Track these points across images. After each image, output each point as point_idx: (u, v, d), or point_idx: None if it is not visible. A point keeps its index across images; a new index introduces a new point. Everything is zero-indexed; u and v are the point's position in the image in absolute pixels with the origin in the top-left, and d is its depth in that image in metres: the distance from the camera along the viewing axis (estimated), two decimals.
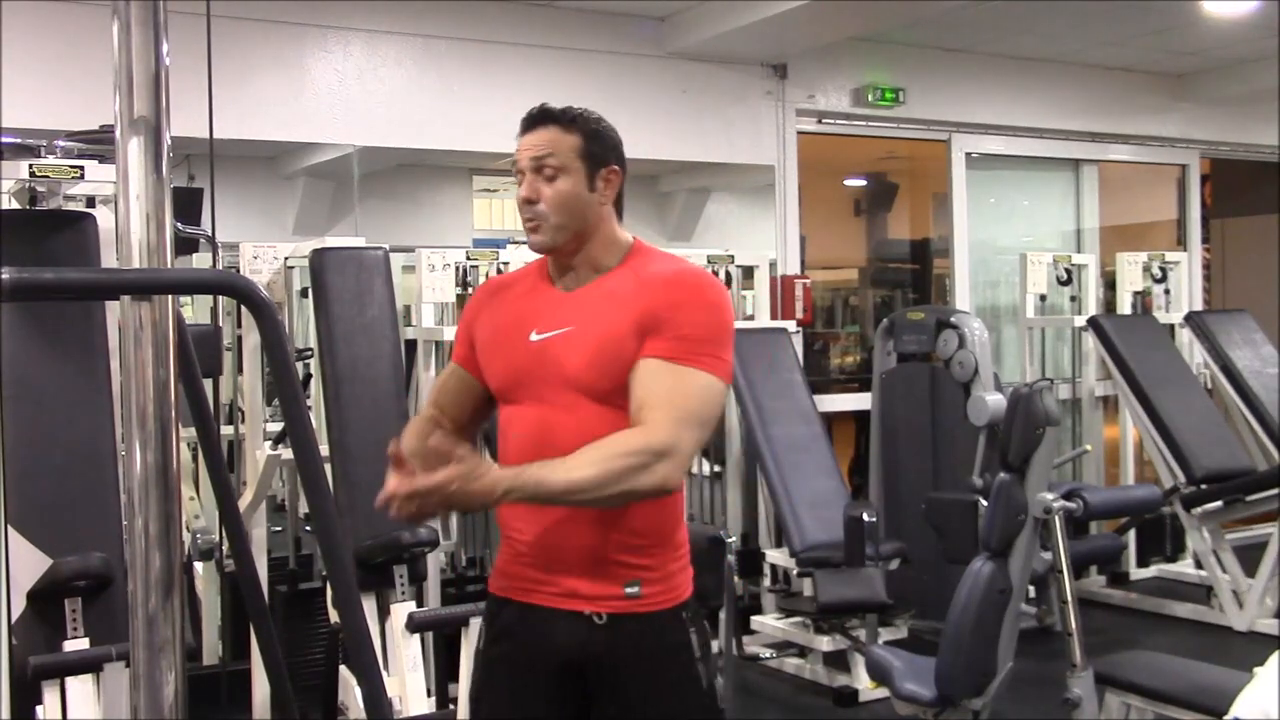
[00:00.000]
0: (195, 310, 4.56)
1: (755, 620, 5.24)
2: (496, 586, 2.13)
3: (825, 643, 4.85)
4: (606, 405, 1.99)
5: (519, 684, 2.07)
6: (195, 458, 4.55)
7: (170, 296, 1.40)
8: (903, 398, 5.47)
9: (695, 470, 5.37)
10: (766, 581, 5.32)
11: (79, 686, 2.83)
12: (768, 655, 5.11)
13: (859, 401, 6.15)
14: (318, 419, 4.11)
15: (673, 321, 1.97)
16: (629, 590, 2.01)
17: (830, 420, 6.01)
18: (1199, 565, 5.82)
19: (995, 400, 4.95)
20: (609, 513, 1.98)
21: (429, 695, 3.68)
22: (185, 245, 3.89)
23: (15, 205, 3.57)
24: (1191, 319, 6.39)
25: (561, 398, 2.01)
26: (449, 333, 4.53)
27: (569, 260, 2.09)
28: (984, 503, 3.82)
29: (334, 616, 3.74)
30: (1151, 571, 6.40)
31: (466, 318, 2.22)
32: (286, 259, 4.27)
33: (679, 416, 1.93)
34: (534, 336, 2.05)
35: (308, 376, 4.55)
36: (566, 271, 2.10)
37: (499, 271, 4.73)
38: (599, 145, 2.08)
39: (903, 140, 6.86)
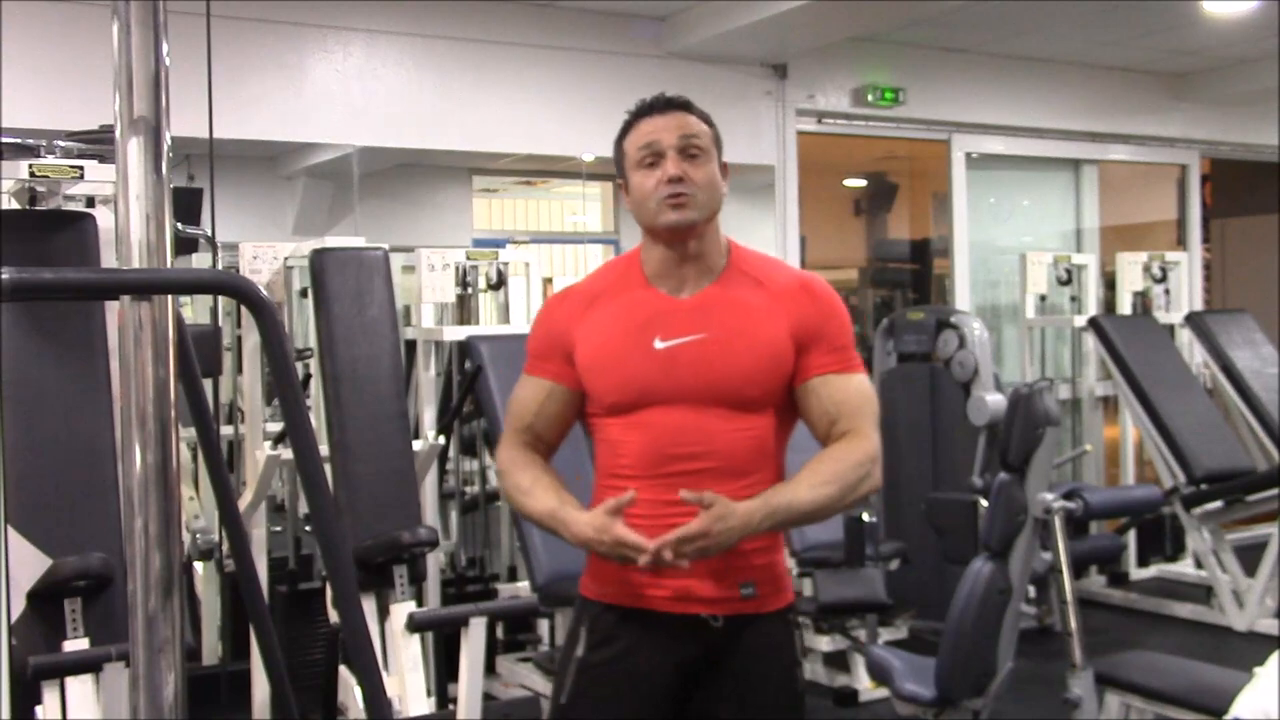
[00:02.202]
0: (195, 310, 4.56)
1: None
2: (596, 592, 2.07)
3: (825, 643, 4.84)
4: (737, 411, 2.00)
5: (626, 690, 2.02)
6: (195, 458, 4.55)
7: (170, 296, 1.40)
8: (903, 398, 5.47)
9: None
10: None
11: (79, 687, 2.83)
12: None
13: None
14: (318, 419, 4.10)
15: (827, 332, 2.06)
16: (744, 591, 2.01)
17: None
18: (1199, 565, 5.83)
19: (995, 400, 4.95)
20: None
21: (429, 695, 3.68)
22: (185, 245, 3.89)
23: (15, 205, 3.57)
24: (1191, 319, 6.39)
25: (692, 405, 1.98)
26: (449, 333, 4.53)
27: (689, 253, 2.04)
28: (984, 503, 3.83)
29: (334, 616, 3.74)
30: (1151, 571, 6.40)
31: (555, 331, 2.10)
32: (286, 259, 4.27)
33: (872, 422, 2.07)
34: (659, 344, 2.00)
35: (308, 376, 4.55)
36: (674, 272, 2.05)
37: (498, 272, 4.73)
38: (719, 137, 2.12)
39: (903, 140, 6.86)
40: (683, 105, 2.09)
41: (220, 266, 3.62)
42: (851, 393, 2.06)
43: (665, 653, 2.00)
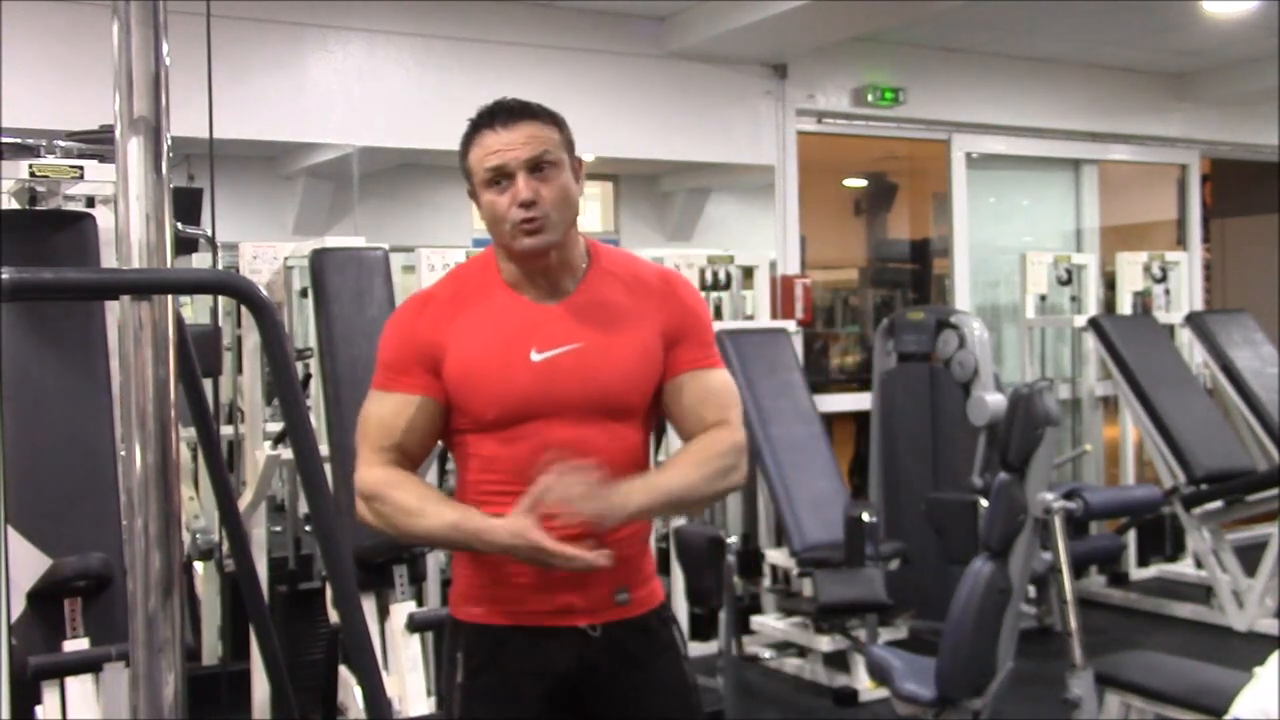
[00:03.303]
0: (195, 310, 4.56)
1: (755, 620, 5.24)
2: (471, 614, 2.00)
3: (825, 643, 4.85)
4: (617, 422, 1.95)
5: (511, 712, 1.97)
6: (195, 458, 4.55)
7: (170, 296, 1.40)
8: (903, 398, 5.47)
9: None
10: (766, 581, 5.32)
11: (79, 687, 2.83)
12: (768, 655, 5.11)
13: (859, 401, 6.15)
14: (318, 419, 4.10)
15: (691, 327, 2.03)
16: (619, 598, 1.98)
17: (830, 420, 6.01)
18: (1199, 565, 5.83)
19: (995, 400, 4.95)
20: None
21: (429, 695, 3.68)
22: (185, 245, 3.89)
23: (15, 205, 3.57)
24: (1192, 319, 6.39)
25: (571, 417, 1.92)
26: None
27: (550, 263, 1.95)
28: (984, 503, 3.82)
29: (334, 616, 3.74)
30: (1151, 571, 6.40)
31: (417, 341, 1.97)
32: (286, 259, 4.27)
33: (738, 415, 2.03)
34: (535, 356, 1.92)
35: (308, 376, 4.55)
36: (539, 279, 1.97)
37: None
38: (571, 135, 2.02)
39: (903, 140, 6.86)
40: (528, 113, 1.96)
41: (220, 266, 3.61)
42: (718, 388, 2.02)
43: (546, 669, 1.96)
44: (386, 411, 2.01)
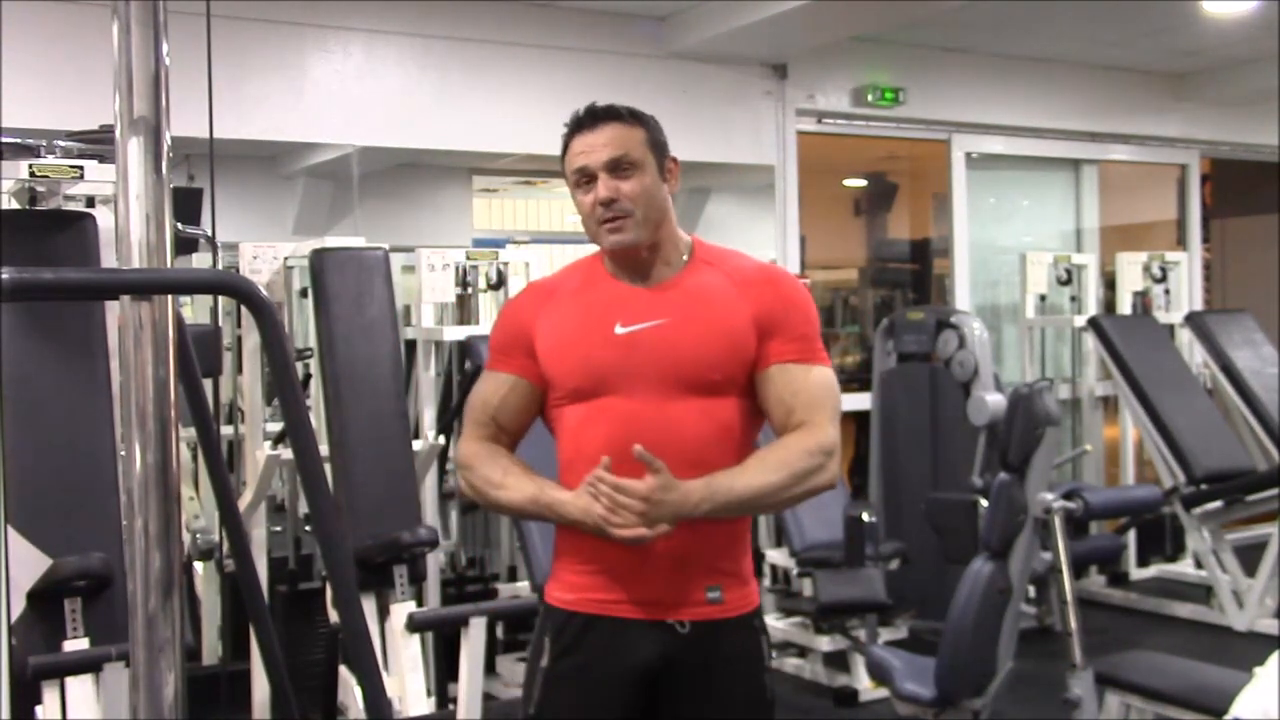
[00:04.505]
0: (195, 310, 4.55)
1: None
2: (562, 600, 2.05)
3: (825, 643, 4.85)
4: (700, 396, 1.97)
5: (591, 699, 2.01)
6: (195, 458, 4.55)
7: (170, 296, 1.40)
8: (903, 398, 5.47)
9: None
10: (766, 581, 5.31)
11: (79, 687, 2.83)
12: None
13: (859, 401, 6.14)
14: (318, 419, 4.10)
15: (789, 321, 2.03)
16: (710, 595, 1.99)
17: None
18: (1199, 565, 5.83)
19: (995, 400, 4.95)
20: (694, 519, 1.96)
21: (429, 695, 3.68)
22: (185, 245, 3.89)
23: (15, 205, 3.56)
24: (1192, 319, 6.39)
25: (654, 390, 1.96)
26: (449, 333, 4.53)
27: (642, 257, 2.04)
28: (984, 503, 3.83)
29: (334, 616, 3.74)
30: (1151, 571, 6.40)
31: (516, 325, 2.11)
32: (286, 259, 4.27)
33: (831, 415, 2.01)
34: (619, 329, 2.00)
35: (308, 376, 4.55)
36: (636, 269, 2.05)
37: (498, 272, 4.73)
38: (661, 136, 2.10)
39: (903, 140, 6.86)
40: (611, 115, 2.06)
41: (220, 266, 3.61)
42: (810, 383, 2.00)
43: (629, 660, 1.98)
44: (487, 390, 2.12)
